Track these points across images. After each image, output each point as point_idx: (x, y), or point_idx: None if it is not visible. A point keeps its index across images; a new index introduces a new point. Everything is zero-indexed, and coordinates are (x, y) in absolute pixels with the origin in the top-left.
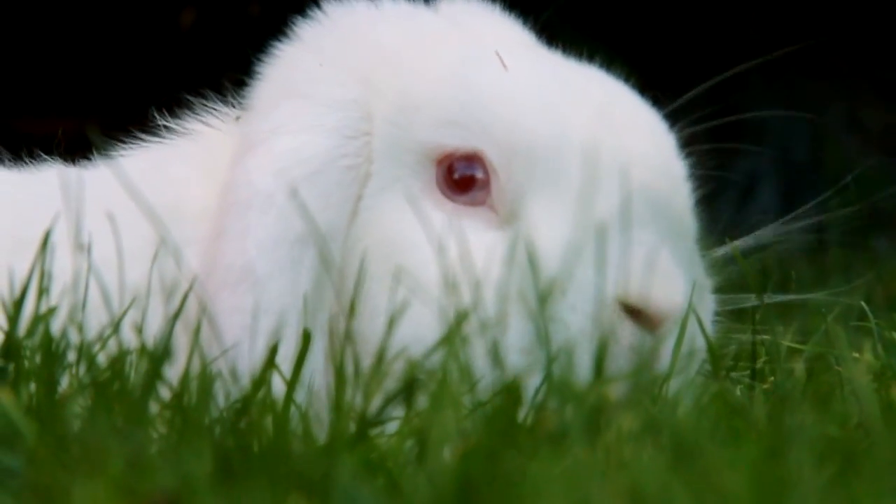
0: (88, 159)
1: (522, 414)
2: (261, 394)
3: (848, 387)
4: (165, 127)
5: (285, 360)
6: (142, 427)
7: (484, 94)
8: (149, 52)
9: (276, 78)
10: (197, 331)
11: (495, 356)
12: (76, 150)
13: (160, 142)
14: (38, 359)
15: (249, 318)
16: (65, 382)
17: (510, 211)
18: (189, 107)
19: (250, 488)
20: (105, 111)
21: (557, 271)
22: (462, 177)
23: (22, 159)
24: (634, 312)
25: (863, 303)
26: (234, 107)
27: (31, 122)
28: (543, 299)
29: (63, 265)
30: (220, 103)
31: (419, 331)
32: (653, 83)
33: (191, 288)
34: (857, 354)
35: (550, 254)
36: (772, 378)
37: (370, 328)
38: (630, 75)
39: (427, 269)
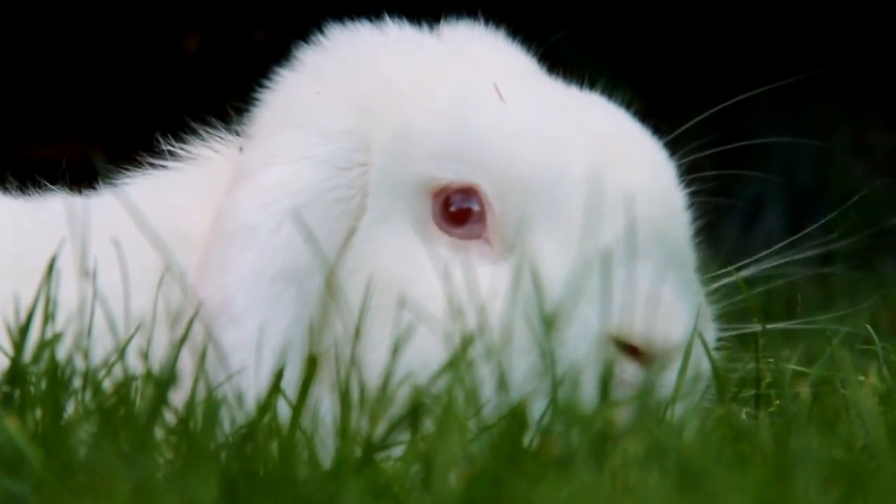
0: (93, 184)
1: (528, 438)
2: (266, 419)
3: (853, 410)
4: (170, 152)
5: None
6: (147, 453)
7: (480, 128)
8: (153, 76)
9: (275, 105)
10: (202, 356)
11: (501, 384)
12: (81, 175)
13: (164, 168)
14: (43, 385)
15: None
16: (70, 408)
17: (505, 245)
18: (194, 132)
19: None
20: (109, 136)
21: (551, 307)
22: (459, 209)
23: (27, 185)
24: (631, 349)
25: (868, 326)
26: (238, 133)
27: (36, 147)
28: (548, 326)
29: (67, 294)
30: (224, 129)
31: (419, 364)
32: (659, 106)
33: (196, 314)
34: (862, 377)
35: (545, 288)
36: (777, 402)
37: (366, 360)
38: (635, 98)
39: (427, 303)
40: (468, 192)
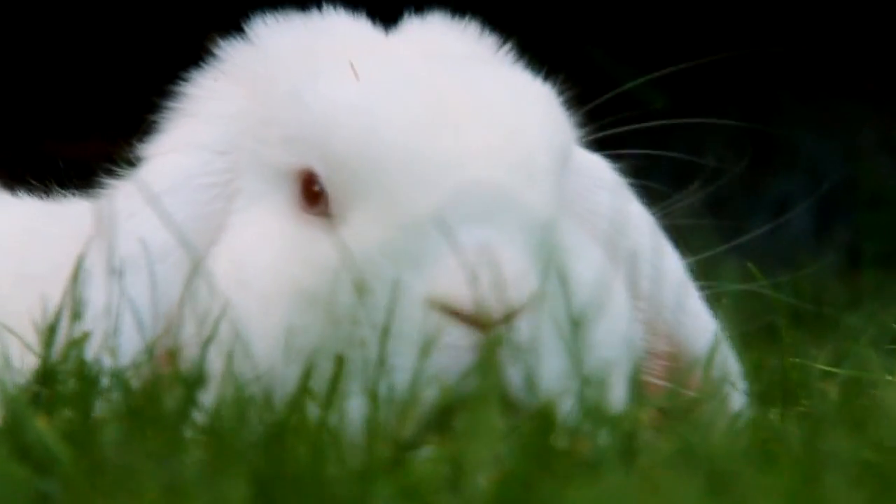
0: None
1: (556, 439)
2: (295, 419)
3: (882, 410)
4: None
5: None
6: (177, 452)
7: (310, 108)
8: (181, 74)
9: (183, 96)
10: (230, 355)
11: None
12: (106, 172)
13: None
14: (72, 384)
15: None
16: (99, 408)
17: (340, 222)
18: None
19: None
20: (136, 134)
21: (365, 273)
22: (315, 191)
23: (53, 183)
24: (457, 314)
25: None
26: None
27: (61, 144)
28: (577, 327)
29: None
30: None
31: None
32: (687, 105)
33: (223, 312)
34: (890, 377)
35: (364, 256)
36: (805, 402)
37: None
38: (662, 98)
39: (260, 278)
40: (310, 173)
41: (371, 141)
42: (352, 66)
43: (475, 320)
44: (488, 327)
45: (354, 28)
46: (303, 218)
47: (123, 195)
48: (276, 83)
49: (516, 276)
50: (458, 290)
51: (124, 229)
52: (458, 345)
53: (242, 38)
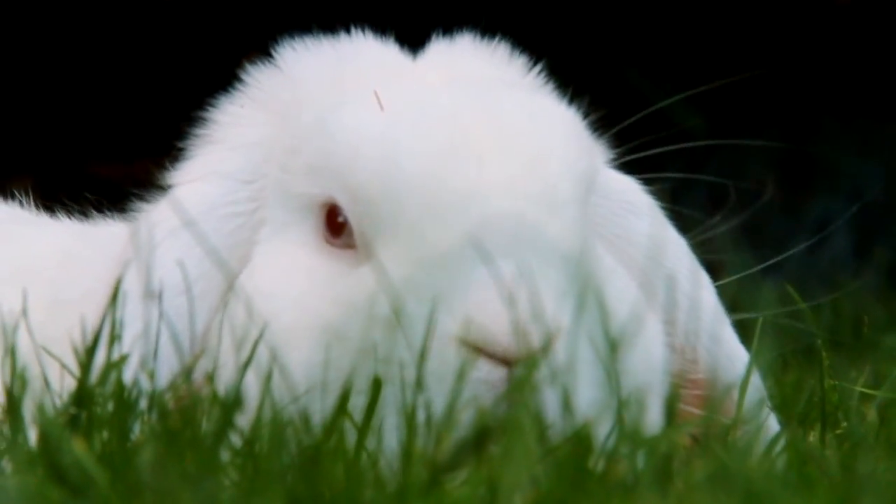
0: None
1: (593, 461)
2: (332, 442)
3: None
4: None
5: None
6: (213, 474)
7: (335, 139)
8: (219, 94)
9: (211, 122)
10: (268, 378)
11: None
12: (139, 197)
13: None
14: (110, 407)
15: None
16: (137, 430)
17: (365, 253)
18: None
19: None
20: (178, 155)
21: (390, 309)
22: (339, 221)
23: (93, 205)
24: (483, 351)
25: None
26: None
27: (106, 166)
28: (613, 349)
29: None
30: None
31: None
32: (724, 125)
33: (261, 335)
34: None
35: (389, 292)
36: (844, 424)
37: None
38: (701, 121)
39: (289, 314)
40: (333, 203)
41: (393, 173)
42: (376, 95)
43: (507, 360)
44: (520, 363)
45: (381, 53)
46: (327, 250)
47: (153, 222)
48: (302, 111)
49: (544, 312)
50: (489, 330)
51: (155, 255)
52: (489, 379)
53: (270, 64)
